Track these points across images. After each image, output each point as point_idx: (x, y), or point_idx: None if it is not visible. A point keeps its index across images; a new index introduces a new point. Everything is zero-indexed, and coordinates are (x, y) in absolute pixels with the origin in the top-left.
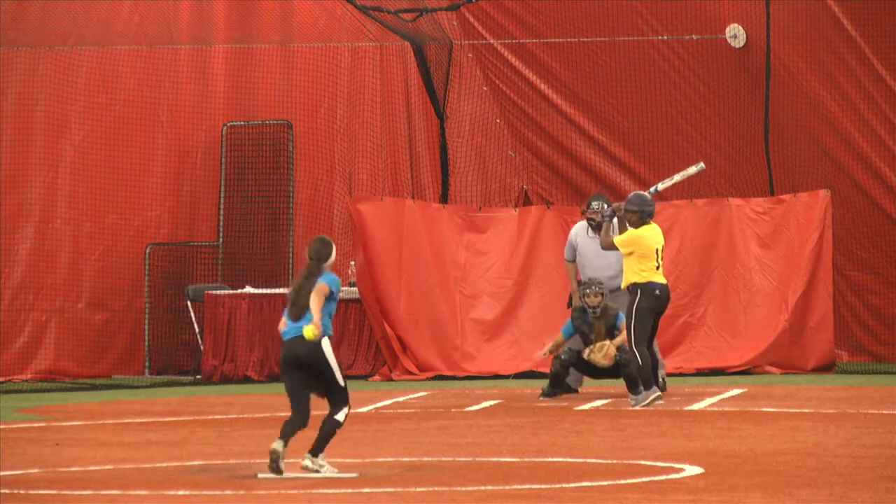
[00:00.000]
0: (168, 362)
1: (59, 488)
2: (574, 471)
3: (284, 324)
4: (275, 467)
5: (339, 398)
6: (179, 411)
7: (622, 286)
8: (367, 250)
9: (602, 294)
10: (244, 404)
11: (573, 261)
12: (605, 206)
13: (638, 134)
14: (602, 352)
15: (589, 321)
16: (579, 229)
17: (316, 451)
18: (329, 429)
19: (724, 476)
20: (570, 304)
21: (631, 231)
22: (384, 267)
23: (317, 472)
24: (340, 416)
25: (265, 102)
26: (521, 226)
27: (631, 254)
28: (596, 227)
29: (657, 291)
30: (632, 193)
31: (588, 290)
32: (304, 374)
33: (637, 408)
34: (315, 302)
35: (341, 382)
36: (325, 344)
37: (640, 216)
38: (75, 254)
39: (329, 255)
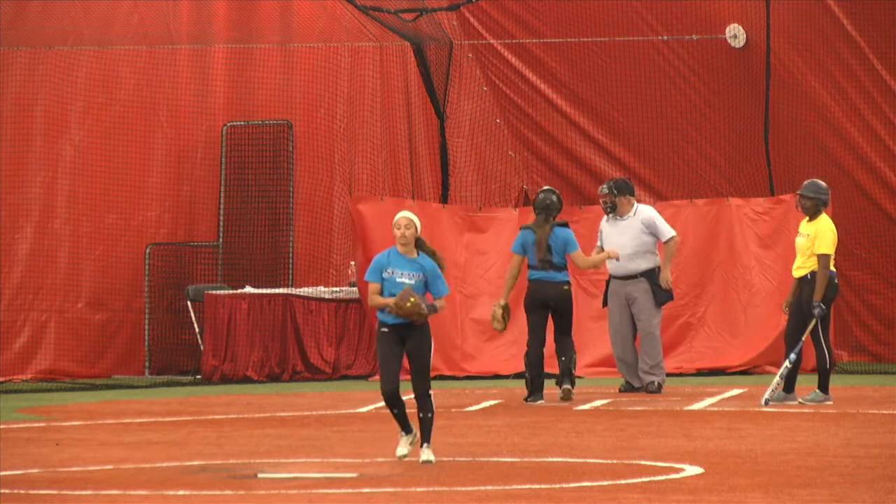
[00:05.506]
0: (168, 362)
1: (59, 488)
2: (574, 471)
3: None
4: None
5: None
6: (179, 411)
7: (797, 276)
8: (366, 250)
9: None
10: (244, 404)
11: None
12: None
13: (638, 134)
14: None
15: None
16: (603, 221)
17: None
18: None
19: (724, 476)
20: (605, 304)
21: (828, 226)
22: None
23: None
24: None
25: (265, 102)
26: (521, 226)
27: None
28: (610, 209)
29: (836, 280)
30: (807, 181)
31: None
32: (401, 348)
33: (805, 402)
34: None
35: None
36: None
37: (815, 203)
38: (74, 254)
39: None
